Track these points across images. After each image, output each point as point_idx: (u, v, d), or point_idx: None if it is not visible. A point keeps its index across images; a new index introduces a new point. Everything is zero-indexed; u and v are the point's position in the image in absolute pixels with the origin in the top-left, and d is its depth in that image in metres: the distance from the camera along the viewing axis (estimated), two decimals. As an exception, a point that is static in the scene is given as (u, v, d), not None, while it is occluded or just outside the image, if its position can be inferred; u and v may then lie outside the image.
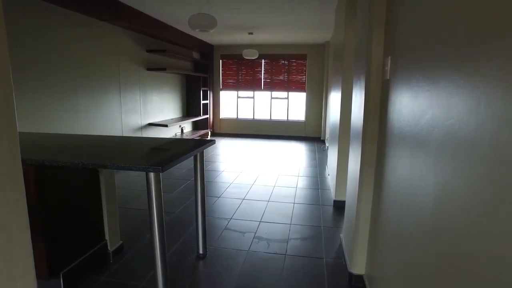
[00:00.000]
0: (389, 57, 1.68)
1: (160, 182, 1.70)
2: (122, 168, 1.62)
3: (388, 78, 1.70)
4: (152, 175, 1.65)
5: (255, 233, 2.97)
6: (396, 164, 1.50)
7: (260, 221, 3.23)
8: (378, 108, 1.91)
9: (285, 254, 2.59)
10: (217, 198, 3.91)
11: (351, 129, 2.56)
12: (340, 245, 2.75)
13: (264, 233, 2.97)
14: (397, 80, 1.54)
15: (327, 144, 6.92)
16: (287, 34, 6.90)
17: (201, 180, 2.45)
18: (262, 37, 7.23)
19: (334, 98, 4.55)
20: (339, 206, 3.60)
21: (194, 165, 2.41)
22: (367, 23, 1.96)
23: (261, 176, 4.89)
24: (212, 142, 2.40)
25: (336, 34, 4.55)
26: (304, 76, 8.46)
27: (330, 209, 3.61)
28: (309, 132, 8.61)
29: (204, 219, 2.53)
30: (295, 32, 6.58)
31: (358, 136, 2.16)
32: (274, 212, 3.49)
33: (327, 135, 7.24)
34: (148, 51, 5.95)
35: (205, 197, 3.86)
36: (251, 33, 6.77)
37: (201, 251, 2.53)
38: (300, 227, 3.11)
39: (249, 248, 2.69)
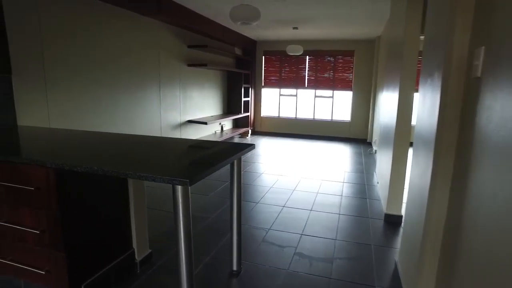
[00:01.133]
0: (482, 48, 1.29)
1: (188, 197, 1.45)
2: (145, 178, 1.40)
3: (478, 75, 1.31)
4: (179, 188, 1.41)
5: (296, 248, 2.67)
6: (494, 185, 1.12)
7: (302, 234, 2.91)
8: (459, 113, 1.51)
9: (329, 278, 2.26)
10: (255, 204, 3.65)
11: (415, 135, 2.16)
12: (395, 271, 2.36)
13: (306, 249, 2.65)
14: (496, 78, 1.15)
15: (374, 148, 6.40)
16: (334, 29, 6.46)
17: (237, 189, 2.19)
18: (307, 32, 6.84)
19: (387, 99, 4.09)
20: (392, 221, 3.19)
21: (230, 172, 2.15)
22: (448, 9, 1.56)
23: (303, 181, 4.56)
24: (251, 147, 2.13)
25: (392, 27, 4.08)
26: (351, 74, 7.94)
27: (381, 223, 3.19)
28: (355, 134, 8.08)
29: (240, 231, 2.27)
30: (343, 26, 6.12)
31: (428, 145, 1.77)
32: (317, 223, 3.15)
33: (374, 138, 6.70)
34: (189, 46, 5.82)
35: (243, 202, 3.64)
36: (296, 28, 6.41)
37: (235, 267, 2.28)
38: (346, 244, 2.75)
39: (289, 266, 2.39)
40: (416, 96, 2.34)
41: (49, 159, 1.65)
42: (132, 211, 2.22)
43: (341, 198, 3.89)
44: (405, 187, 3.16)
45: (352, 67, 7.90)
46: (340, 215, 3.36)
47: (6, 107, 2.93)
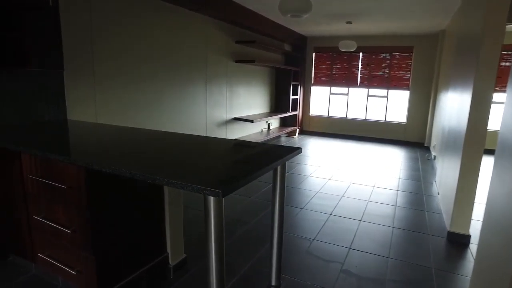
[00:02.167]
0: None
1: (221, 209, 1.28)
2: (174, 185, 1.25)
3: None
4: (211, 199, 1.24)
5: (343, 264, 2.40)
6: None
7: (350, 248, 2.63)
8: None
9: (382, 304, 1.97)
10: (299, 210, 3.41)
11: (500, 144, 1.78)
12: (463, 303, 2.00)
13: (353, 266, 2.37)
14: None
15: (433, 153, 5.81)
16: (392, 23, 5.95)
17: (280, 196, 1.97)
18: (362, 27, 6.40)
19: (454, 99, 3.61)
20: (457, 241, 2.77)
21: (273, 176, 1.95)
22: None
23: (352, 186, 4.22)
24: (297, 151, 1.91)
25: (464, 18, 3.59)
26: (409, 72, 7.32)
27: (442, 242, 2.79)
28: (410, 137, 7.45)
29: (281, 242, 2.06)
30: (402, 20, 5.60)
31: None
32: (367, 236, 2.84)
33: (433, 142, 6.09)
34: (237, 42, 5.70)
35: (286, 207, 3.42)
36: (350, 22, 6.01)
37: (273, 282, 2.08)
38: (401, 264, 2.42)
39: (334, 286, 2.13)
40: (497, 97, 1.95)
41: (81, 157, 1.57)
42: (167, 213, 2.11)
43: (395, 209, 3.51)
44: (475, 202, 2.73)
45: (411, 65, 7.27)
46: (394, 229, 3.01)
47: (57, 102, 3.00)
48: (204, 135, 5.10)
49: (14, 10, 2.47)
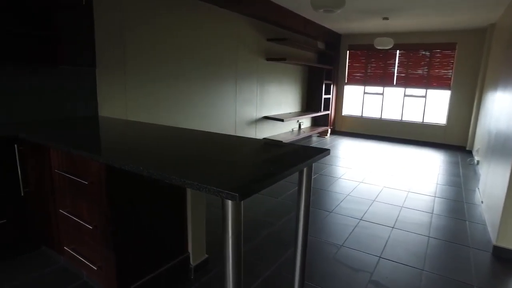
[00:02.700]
0: None
1: (240, 213, 1.20)
2: (190, 186, 1.19)
3: None
4: (229, 203, 1.16)
5: (372, 274, 2.24)
6: None
7: (380, 257, 2.47)
8: None
9: (414, 321, 1.81)
10: (327, 213, 3.27)
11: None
12: (509, 327, 1.80)
13: (384, 278, 2.21)
14: None
15: (476, 158, 5.40)
16: (433, 18, 5.59)
17: (305, 200, 1.87)
18: (399, 23, 6.08)
19: (504, 100, 3.30)
20: (505, 257, 2.52)
21: (298, 179, 1.84)
22: None
23: (385, 191, 4.00)
24: (325, 152, 1.80)
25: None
26: (450, 70, 6.87)
27: (487, 257, 2.55)
28: (451, 139, 7.00)
29: (305, 247, 1.95)
30: (445, 14, 5.24)
31: None
32: (399, 245, 2.66)
33: (477, 146, 5.67)
34: (269, 39, 5.62)
35: (314, 210, 3.30)
36: (386, 18, 5.73)
37: (296, 289, 1.98)
38: (438, 279, 2.23)
39: (362, 297, 2.00)
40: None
41: (103, 153, 1.56)
42: (189, 212, 2.07)
43: (432, 217, 3.27)
44: (525, 214, 2.46)
45: (453, 62, 6.82)
46: (430, 238, 2.80)
47: (90, 98, 3.07)
48: (233, 134, 5.07)
49: (49, 10, 2.54)
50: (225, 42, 4.64)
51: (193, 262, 2.14)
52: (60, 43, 2.60)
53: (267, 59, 5.71)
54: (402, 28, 6.61)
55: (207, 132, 2.33)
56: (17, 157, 2.11)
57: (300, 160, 1.57)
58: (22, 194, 2.18)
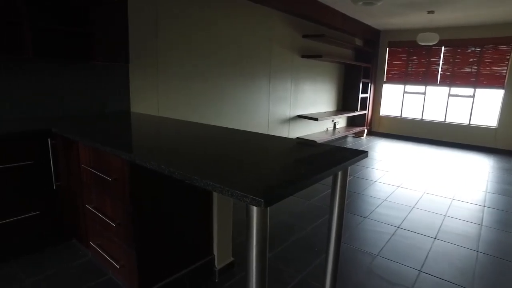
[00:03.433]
0: None
1: (265, 219, 1.09)
2: (212, 187, 1.09)
3: None
4: (254, 209, 1.05)
5: (411, 289, 2.05)
6: None
7: (420, 271, 2.25)
8: None
9: None
10: (362, 219, 3.07)
11: None
12: None
13: (425, 294, 2.01)
14: None
15: (533, 164, 4.90)
16: (484, 10, 5.12)
17: (339, 206, 1.72)
18: (446, 16, 5.66)
19: None
20: None
21: (332, 183, 1.70)
22: None
23: (426, 197, 3.72)
24: (363, 154, 1.64)
25: None
26: (505, 67, 6.30)
27: (546, 276, 2.25)
28: (503, 143, 6.43)
29: (337, 257, 1.80)
30: (499, 4, 4.78)
31: None
32: (443, 259, 2.42)
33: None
34: (304, 36, 5.44)
35: (348, 215, 3.11)
36: (432, 12, 5.35)
37: (326, 303, 1.83)
38: (488, 299, 1.98)
39: (400, 316, 1.81)
40: None
41: (128, 150, 1.51)
42: (215, 213, 1.99)
43: (481, 228, 2.97)
44: None
45: (508, 59, 6.25)
46: (479, 253, 2.52)
47: (122, 94, 3.09)
48: (266, 132, 4.96)
49: (86, 6, 2.56)
50: (259, 38, 4.54)
51: (218, 265, 2.06)
52: (95, 39, 2.62)
53: (302, 56, 5.54)
54: (448, 22, 6.16)
55: (237, 130, 2.23)
56: (50, 150, 2.14)
57: (335, 163, 1.43)
58: (54, 187, 2.21)
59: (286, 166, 1.46)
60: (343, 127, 7.54)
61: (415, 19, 5.97)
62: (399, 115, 7.64)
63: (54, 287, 1.91)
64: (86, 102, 2.84)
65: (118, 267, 1.74)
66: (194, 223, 1.91)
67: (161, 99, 3.38)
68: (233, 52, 4.16)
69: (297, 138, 5.83)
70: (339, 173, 1.61)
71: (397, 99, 7.65)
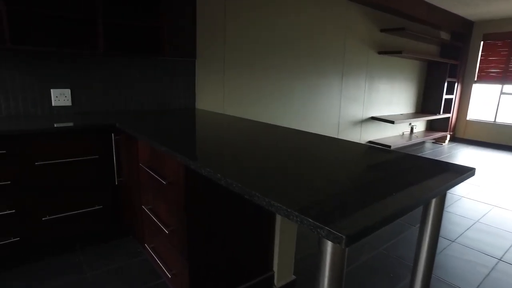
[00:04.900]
0: None
1: (343, 260, 0.82)
2: (275, 209, 0.85)
3: None
4: (329, 244, 0.79)
5: None
6: None
7: (534, 322, 1.76)
8: None
9: None
10: (449, 242, 2.59)
11: None
12: None
13: None
14: None
15: None
16: None
17: (430, 242, 1.34)
18: None
19: None
20: None
21: (422, 212, 1.33)
22: None
23: (532, 222, 3.04)
24: (469, 172, 1.26)
25: None
26: None
27: None
28: None
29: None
30: None
31: None
32: None
33: None
34: (382, 30, 4.93)
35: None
36: (547, -3, 4.44)
37: None
38: None
39: None
40: None
41: (183, 151, 1.34)
42: (277, 226, 1.75)
43: None
44: None
45: None
46: None
47: (188, 90, 3.02)
48: (336, 135, 4.60)
49: (156, 1, 2.52)
50: (331, 32, 4.19)
51: (277, 283, 1.83)
52: (164, 33, 2.56)
53: (379, 52, 5.03)
54: None
55: (309, 132, 1.94)
56: (113, 146, 2.11)
57: (434, 186, 1.09)
58: (116, 183, 2.19)
59: (369, 186, 1.14)
60: (421, 131, 6.77)
61: (522, 7, 5.05)
62: (493, 120, 6.61)
63: (113, 282, 1.86)
64: (152, 98, 2.82)
65: (169, 276, 1.61)
66: (253, 235, 1.70)
67: (227, 96, 3.25)
68: (303, 48, 3.88)
69: (369, 142, 5.34)
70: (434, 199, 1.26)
71: (490, 101, 6.63)
